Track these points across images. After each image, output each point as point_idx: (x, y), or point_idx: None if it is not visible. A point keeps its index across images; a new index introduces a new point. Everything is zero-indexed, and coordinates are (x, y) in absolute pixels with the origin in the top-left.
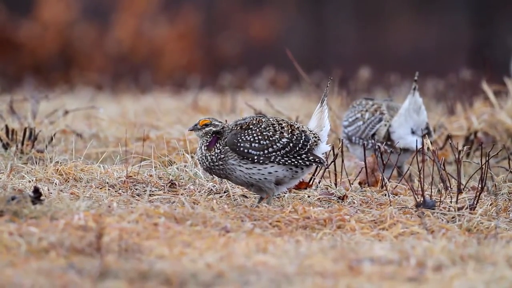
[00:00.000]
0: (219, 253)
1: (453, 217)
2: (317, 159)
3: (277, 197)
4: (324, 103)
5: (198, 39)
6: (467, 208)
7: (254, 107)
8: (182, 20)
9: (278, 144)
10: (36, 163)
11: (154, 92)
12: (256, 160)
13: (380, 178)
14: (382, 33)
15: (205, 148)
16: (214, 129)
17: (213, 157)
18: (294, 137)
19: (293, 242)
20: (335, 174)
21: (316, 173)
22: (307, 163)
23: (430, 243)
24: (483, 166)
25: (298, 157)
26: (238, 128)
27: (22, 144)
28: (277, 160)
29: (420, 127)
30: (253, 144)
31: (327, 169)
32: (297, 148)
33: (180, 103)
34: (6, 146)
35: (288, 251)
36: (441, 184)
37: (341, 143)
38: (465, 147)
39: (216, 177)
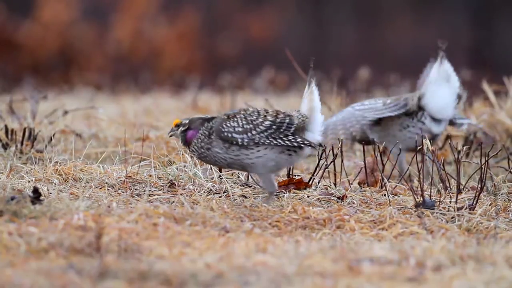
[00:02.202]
0: (219, 253)
1: (452, 217)
2: (306, 142)
3: (277, 197)
4: (312, 85)
5: (198, 39)
6: (466, 208)
7: (254, 107)
8: (182, 20)
9: (261, 127)
10: (35, 163)
11: (153, 92)
12: (240, 143)
13: (380, 178)
14: (381, 33)
15: (183, 144)
16: (183, 128)
17: (199, 147)
18: (278, 119)
19: (293, 242)
20: (335, 174)
21: (316, 173)
22: (295, 144)
23: (430, 243)
24: (483, 166)
25: (285, 139)
26: (225, 117)
27: (22, 144)
28: (261, 141)
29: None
30: (236, 129)
31: (326, 169)
32: (282, 130)
33: (179, 103)
34: (5, 146)
35: (288, 251)
36: (441, 184)
37: (340, 143)
38: (464, 147)
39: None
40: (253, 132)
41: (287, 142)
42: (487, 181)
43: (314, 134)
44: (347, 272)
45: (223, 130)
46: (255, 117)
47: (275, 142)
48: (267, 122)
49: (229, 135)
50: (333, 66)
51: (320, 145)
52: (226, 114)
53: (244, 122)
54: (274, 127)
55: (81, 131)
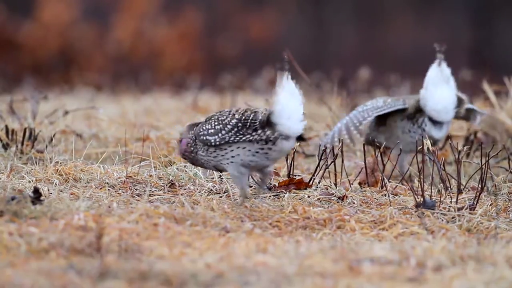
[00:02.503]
0: (219, 253)
1: (453, 217)
2: (275, 135)
3: (277, 198)
4: (280, 79)
5: (198, 39)
6: (467, 208)
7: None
8: (182, 20)
9: (228, 126)
10: (36, 163)
11: (154, 92)
12: (213, 144)
13: (380, 178)
14: (382, 33)
15: (181, 156)
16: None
17: (189, 152)
18: (244, 116)
19: (293, 242)
20: (335, 174)
21: (316, 173)
22: (263, 137)
23: (430, 243)
24: (483, 166)
25: (253, 133)
26: (203, 120)
27: (22, 144)
28: (231, 139)
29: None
30: (209, 131)
31: (327, 169)
32: (248, 126)
33: (180, 103)
34: (6, 147)
35: (288, 251)
36: (441, 184)
37: (341, 143)
38: (465, 147)
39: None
40: (223, 132)
41: (255, 136)
42: (487, 181)
43: (285, 127)
44: (347, 272)
45: (200, 133)
46: (225, 117)
47: (243, 138)
48: (234, 121)
49: (205, 137)
50: (334, 66)
51: (302, 138)
52: (207, 117)
53: (215, 123)
54: (240, 124)
55: (82, 131)
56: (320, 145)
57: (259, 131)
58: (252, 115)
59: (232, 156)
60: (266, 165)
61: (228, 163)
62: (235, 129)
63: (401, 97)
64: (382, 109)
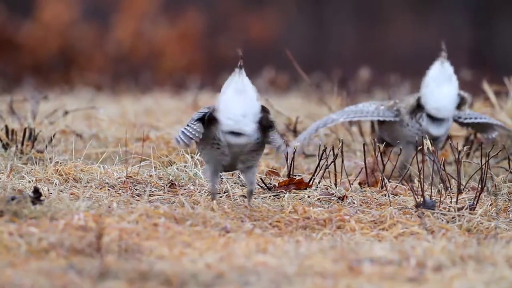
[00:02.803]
0: (219, 254)
1: (453, 218)
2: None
3: (277, 198)
4: (233, 75)
5: (198, 39)
6: (467, 208)
7: None
8: (183, 20)
9: (188, 120)
10: (36, 163)
11: (154, 92)
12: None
13: (380, 178)
14: (382, 33)
15: None
16: None
17: None
18: (199, 112)
19: (293, 243)
20: (335, 174)
21: (316, 173)
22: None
23: (430, 244)
24: (483, 167)
25: (194, 127)
26: None
27: (22, 144)
28: (180, 136)
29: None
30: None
31: (327, 169)
32: (194, 121)
33: (180, 104)
34: (6, 147)
35: (288, 252)
36: (441, 184)
37: (341, 143)
38: (465, 147)
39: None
40: (185, 125)
41: (193, 131)
42: (487, 181)
43: (225, 125)
44: (347, 272)
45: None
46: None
47: (191, 131)
48: (195, 115)
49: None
50: (334, 66)
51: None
52: None
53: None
54: (190, 119)
55: (82, 131)
56: (319, 145)
57: (197, 125)
58: (202, 110)
59: (201, 150)
60: (227, 160)
61: (203, 157)
62: (190, 124)
63: (395, 101)
64: (364, 115)
